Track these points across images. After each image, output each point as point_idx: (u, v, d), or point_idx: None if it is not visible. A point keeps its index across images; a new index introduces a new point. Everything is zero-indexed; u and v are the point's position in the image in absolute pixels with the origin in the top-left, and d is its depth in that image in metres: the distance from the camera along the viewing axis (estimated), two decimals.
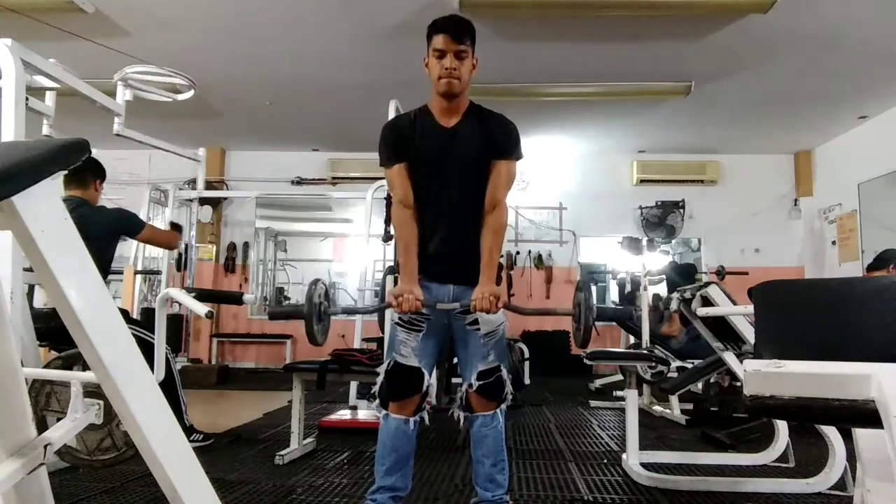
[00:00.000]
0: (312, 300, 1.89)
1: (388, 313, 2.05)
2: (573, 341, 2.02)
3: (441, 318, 2.03)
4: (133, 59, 4.34)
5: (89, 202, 3.18)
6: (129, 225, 3.28)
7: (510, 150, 2.00)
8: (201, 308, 1.87)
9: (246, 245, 8.20)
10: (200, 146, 7.93)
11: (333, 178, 8.06)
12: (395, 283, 2.19)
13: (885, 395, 0.94)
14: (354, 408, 4.31)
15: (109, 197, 5.62)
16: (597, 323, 1.99)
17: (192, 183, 7.54)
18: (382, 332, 3.67)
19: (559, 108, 6.41)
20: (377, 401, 2.01)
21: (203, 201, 7.54)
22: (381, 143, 2.04)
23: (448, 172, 1.99)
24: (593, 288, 8.89)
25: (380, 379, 2.00)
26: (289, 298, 9.18)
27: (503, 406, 2.04)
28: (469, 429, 2.07)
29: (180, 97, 4.17)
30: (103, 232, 3.08)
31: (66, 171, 0.78)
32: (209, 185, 7.64)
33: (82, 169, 3.18)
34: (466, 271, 1.99)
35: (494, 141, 1.99)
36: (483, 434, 2.01)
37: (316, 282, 1.96)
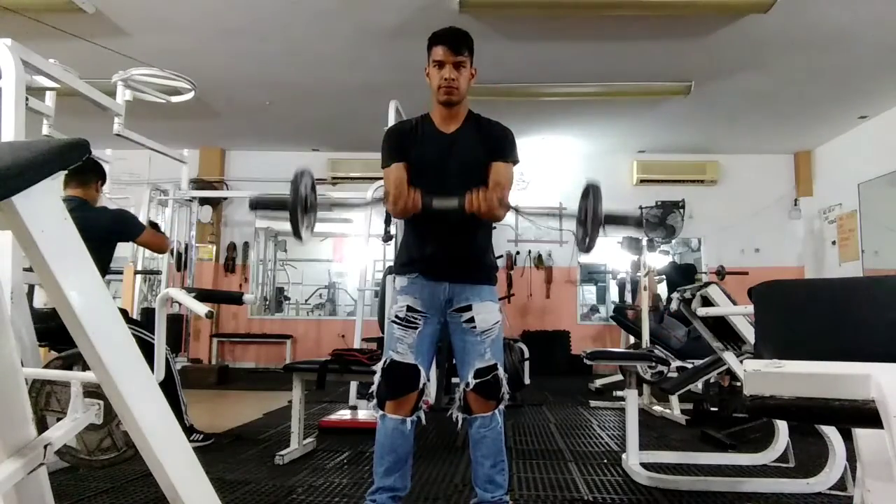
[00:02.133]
0: (299, 191, 1.80)
1: (388, 312, 2.05)
2: (577, 249, 1.96)
3: (437, 317, 2.05)
4: (132, 59, 4.35)
5: (89, 202, 3.18)
6: (128, 228, 3.24)
7: (507, 152, 2.06)
8: (201, 308, 1.87)
9: (246, 245, 8.20)
10: (201, 146, 7.98)
11: (333, 178, 8.06)
12: (395, 282, 2.19)
13: (885, 395, 0.94)
14: (354, 408, 4.30)
15: (110, 197, 5.64)
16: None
17: (192, 183, 7.54)
18: (382, 333, 3.67)
19: (559, 108, 6.40)
20: (374, 401, 2.02)
21: (203, 201, 7.54)
22: (383, 147, 2.09)
23: (447, 176, 2.03)
24: (593, 288, 8.94)
25: (377, 378, 2.01)
26: (289, 298, 9.19)
27: (502, 407, 2.05)
28: (468, 430, 2.07)
29: (176, 99, 4.15)
30: (103, 233, 3.07)
31: (66, 171, 0.78)
32: (209, 185, 7.63)
33: (84, 169, 3.18)
34: (463, 270, 2.04)
35: (492, 144, 2.06)
36: (482, 435, 2.02)
37: (303, 172, 1.87)
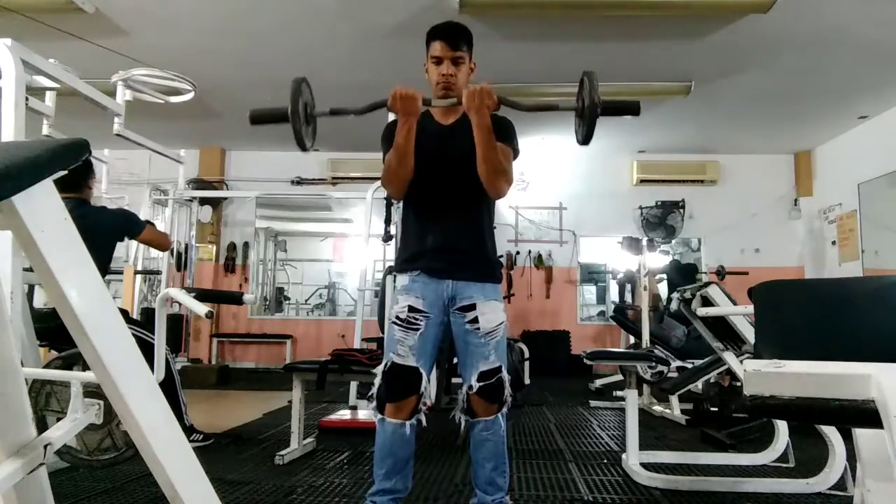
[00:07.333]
0: (298, 100, 1.80)
1: (388, 313, 2.04)
2: (576, 136, 1.93)
3: (440, 316, 2.02)
4: (132, 59, 4.35)
5: (88, 202, 3.20)
6: (130, 226, 3.29)
7: (504, 136, 2.00)
8: (201, 308, 1.87)
9: (246, 245, 8.20)
10: (200, 146, 7.98)
11: (333, 178, 8.06)
12: (395, 282, 2.18)
13: (885, 395, 0.94)
14: (354, 408, 4.30)
15: (110, 196, 5.64)
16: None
17: (193, 183, 7.54)
18: (382, 333, 3.67)
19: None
20: (374, 403, 2.00)
21: (203, 201, 7.54)
22: (383, 140, 2.10)
23: (446, 168, 2.01)
24: (593, 288, 8.93)
25: (377, 381, 1.98)
26: (289, 298, 9.19)
27: (505, 410, 2.03)
28: (470, 432, 2.06)
29: (176, 99, 4.15)
30: (106, 232, 3.10)
31: (65, 172, 0.77)
32: (209, 185, 7.64)
33: (74, 172, 3.18)
34: (465, 266, 2.00)
35: None
36: (484, 438, 2.00)
37: (301, 80, 1.87)
